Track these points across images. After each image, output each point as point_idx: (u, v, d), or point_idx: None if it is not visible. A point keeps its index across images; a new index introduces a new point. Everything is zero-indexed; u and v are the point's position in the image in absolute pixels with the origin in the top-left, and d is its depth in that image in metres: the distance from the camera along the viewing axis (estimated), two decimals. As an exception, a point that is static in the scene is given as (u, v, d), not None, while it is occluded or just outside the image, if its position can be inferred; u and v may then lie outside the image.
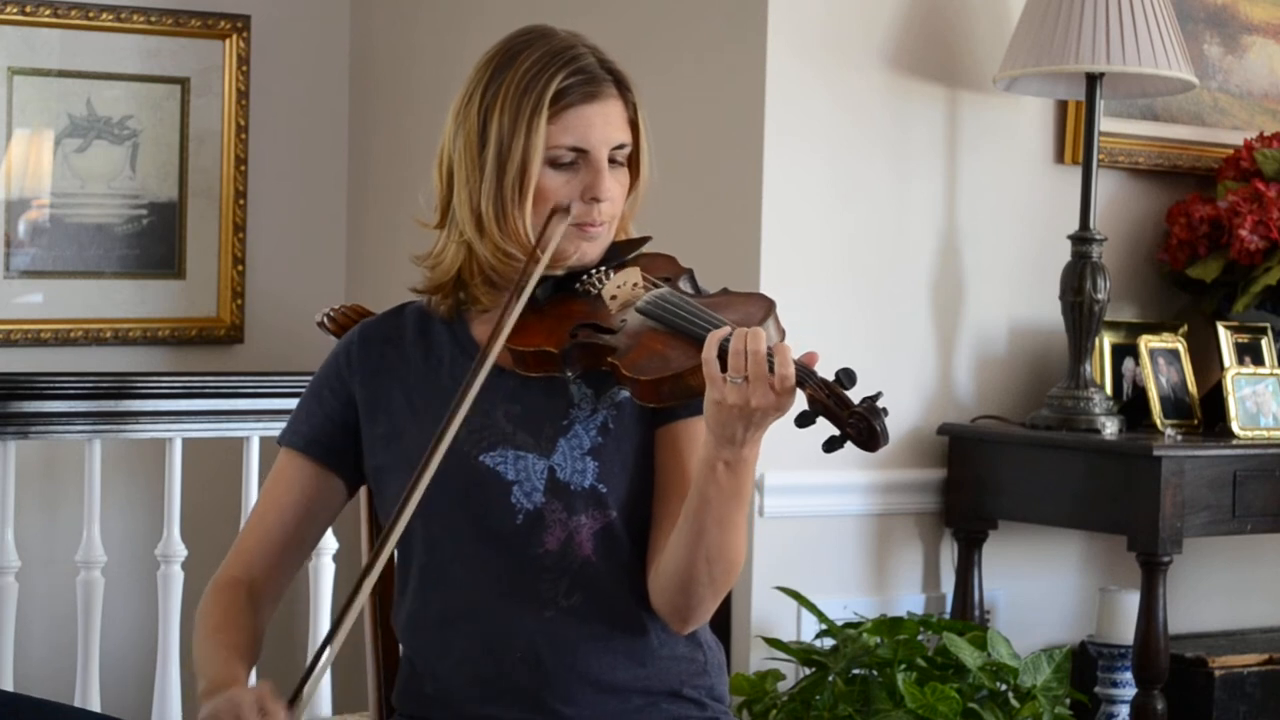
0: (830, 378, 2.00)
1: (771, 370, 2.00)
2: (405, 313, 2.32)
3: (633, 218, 2.31)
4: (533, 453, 2.19)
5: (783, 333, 2.14)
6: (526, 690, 2.19)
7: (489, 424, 2.21)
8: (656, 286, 2.20)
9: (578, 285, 2.24)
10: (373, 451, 2.27)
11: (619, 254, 2.27)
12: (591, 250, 2.23)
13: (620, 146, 2.22)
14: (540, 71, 2.18)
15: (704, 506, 2.09)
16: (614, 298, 2.19)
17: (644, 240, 2.29)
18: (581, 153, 2.19)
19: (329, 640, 2.11)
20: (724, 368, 2.01)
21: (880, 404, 1.98)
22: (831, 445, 1.99)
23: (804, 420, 2.00)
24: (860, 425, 1.97)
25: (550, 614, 2.19)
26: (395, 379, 2.27)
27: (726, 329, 2.04)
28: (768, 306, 2.14)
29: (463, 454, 2.19)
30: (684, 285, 2.26)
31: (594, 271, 2.24)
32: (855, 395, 2.00)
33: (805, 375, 2.01)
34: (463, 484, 2.19)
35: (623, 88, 2.23)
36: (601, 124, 2.20)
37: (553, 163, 2.19)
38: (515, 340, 2.20)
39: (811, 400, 2.00)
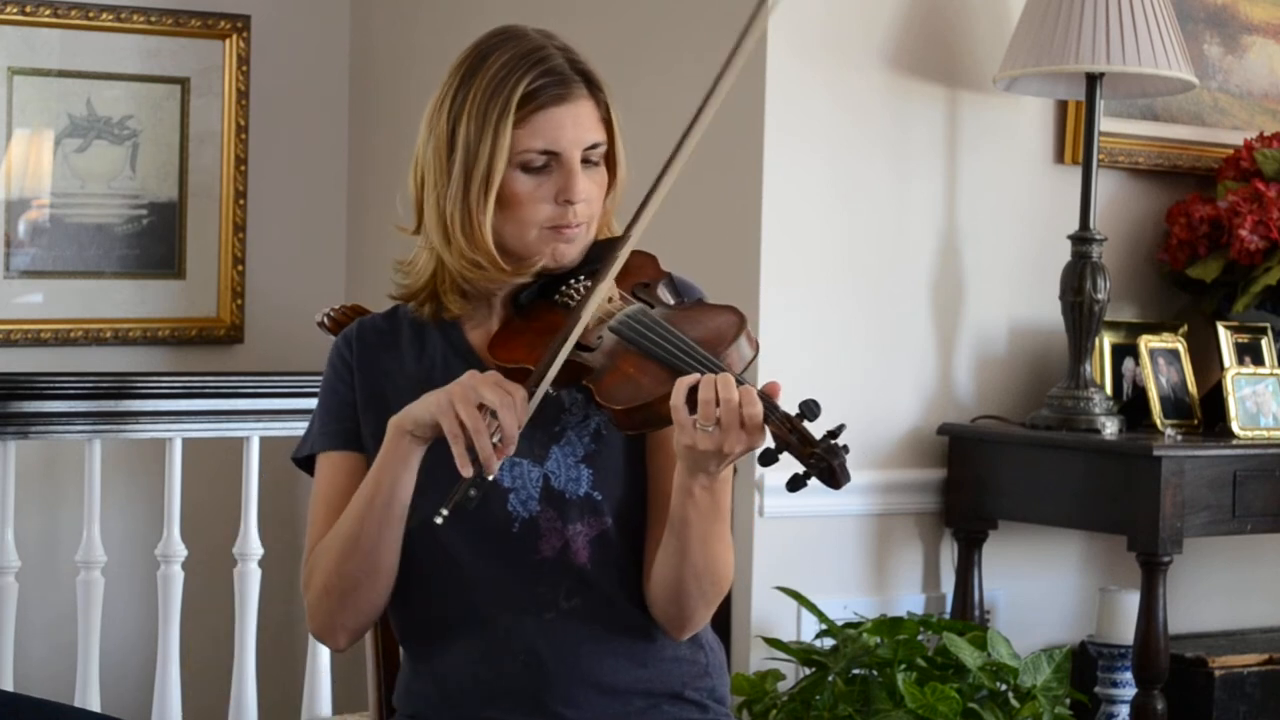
0: (794, 411, 1.99)
1: (740, 408, 1.99)
2: (399, 314, 2.31)
3: (613, 215, 2.30)
4: (527, 459, 2.19)
5: (756, 347, 2.13)
6: (527, 693, 2.19)
7: None
8: (633, 301, 2.19)
9: (557, 296, 2.23)
10: (366, 450, 2.26)
11: (600, 255, 2.25)
12: (570, 251, 2.22)
13: (594, 146, 2.20)
14: (508, 75, 2.16)
15: (685, 528, 2.10)
16: None
17: (626, 238, 2.28)
18: (553, 155, 2.18)
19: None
20: (693, 409, 2.00)
21: (841, 441, 1.96)
22: (795, 484, 1.98)
23: (768, 458, 1.99)
24: (821, 465, 1.96)
25: (551, 616, 2.19)
26: (389, 382, 2.26)
27: (695, 376, 2.02)
28: (739, 323, 2.13)
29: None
30: (663, 291, 2.24)
31: (573, 281, 2.23)
32: (819, 428, 1.98)
33: (769, 411, 1.99)
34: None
35: (593, 87, 2.21)
36: (572, 125, 2.18)
37: (524, 167, 2.17)
38: (498, 353, 2.19)
39: (775, 437, 1.99)
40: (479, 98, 2.17)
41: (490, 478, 2.03)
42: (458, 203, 2.17)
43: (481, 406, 2.03)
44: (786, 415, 1.99)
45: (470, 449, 2.03)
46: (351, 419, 2.26)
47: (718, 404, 1.99)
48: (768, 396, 2.01)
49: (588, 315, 2.13)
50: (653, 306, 2.19)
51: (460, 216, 2.18)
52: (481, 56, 2.20)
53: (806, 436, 1.98)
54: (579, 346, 2.13)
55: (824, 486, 1.98)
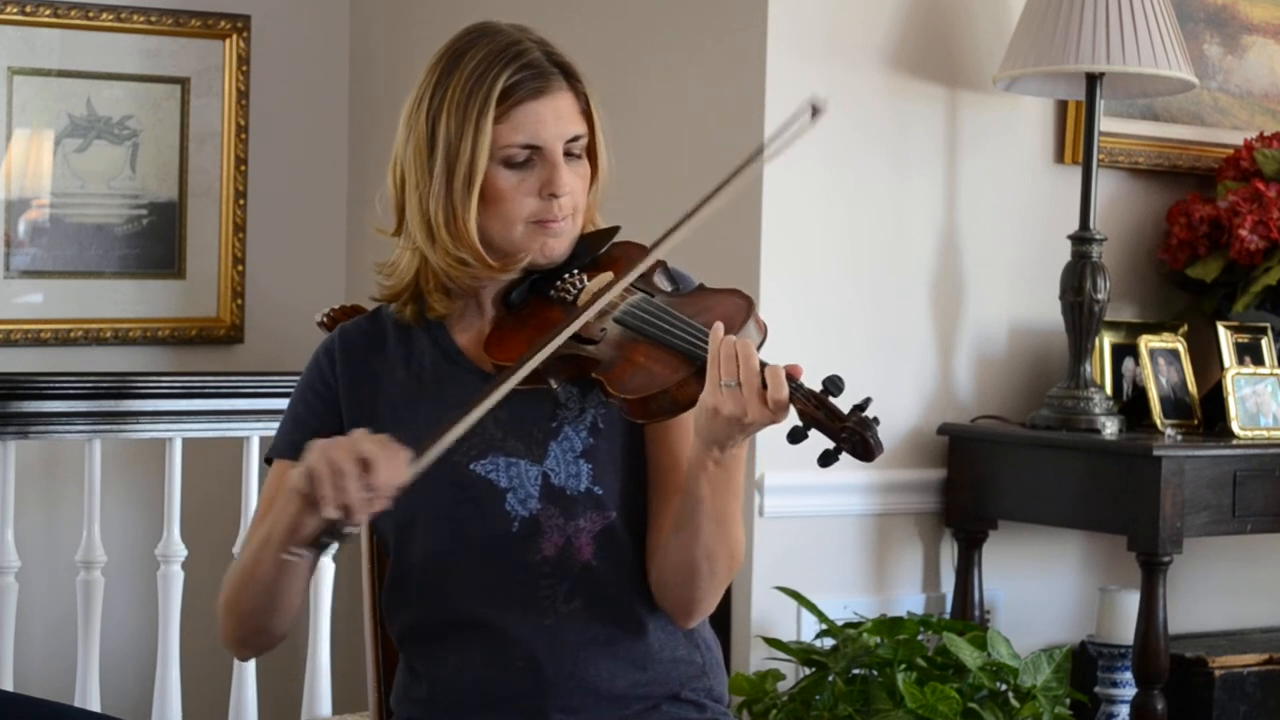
0: (818, 388, 1.99)
1: (765, 386, 1.98)
2: (382, 317, 2.30)
3: (597, 207, 2.30)
4: (524, 459, 2.18)
5: (764, 329, 2.12)
6: (526, 698, 2.18)
7: (478, 431, 2.18)
8: (632, 292, 2.19)
9: (552, 291, 2.22)
10: None
11: (589, 248, 2.24)
12: (558, 246, 2.21)
13: (575, 139, 2.20)
14: (486, 70, 2.16)
15: (697, 506, 2.09)
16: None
17: (613, 231, 2.27)
18: (535, 149, 2.17)
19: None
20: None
21: (870, 413, 1.96)
22: (827, 460, 1.98)
23: (796, 436, 1.98)
24: (854, 438, 1.95)
25: (550, 621, 2.18)
26: (379, 387, 2.25)
27: (719, 335, 2.02)
28: (747, 306, 2.12)
29: (454, 463, 2.18)
30: (659, 279, 2.23)
31: (567, 276, 2.22)
32: (844, 403, 1.98)
33: (794, 389, 1.99)
34: (455, 493, 2.17)
35: (572, 79, 2.20)
36: (553, 118, 2.17)
37: (507, 162, 2.16)
38: (496, 353, 2.18)
39: (802, 414, 1.98)
40: (458, 95, 2.16)
41: (353, 530, 1.98)
42: (440, 200, 2.17)
43: (362, 461, 1.97)
44: (812, 392, 1.99)
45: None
46: (315, 435, 2.25)
47: (737, 359, 1.98)
48: (792, 376, 2.00)
49: (597, 309, 2.12)
50: (652, 295, 2.19)
51: (444, 214, 2.17)
52: (457, 54, 2.19)
53: (835, 411, 1.97)
54: (583, 340, 2.12)
55: (856, 461, 1.97)
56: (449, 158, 2.16)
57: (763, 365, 2.00)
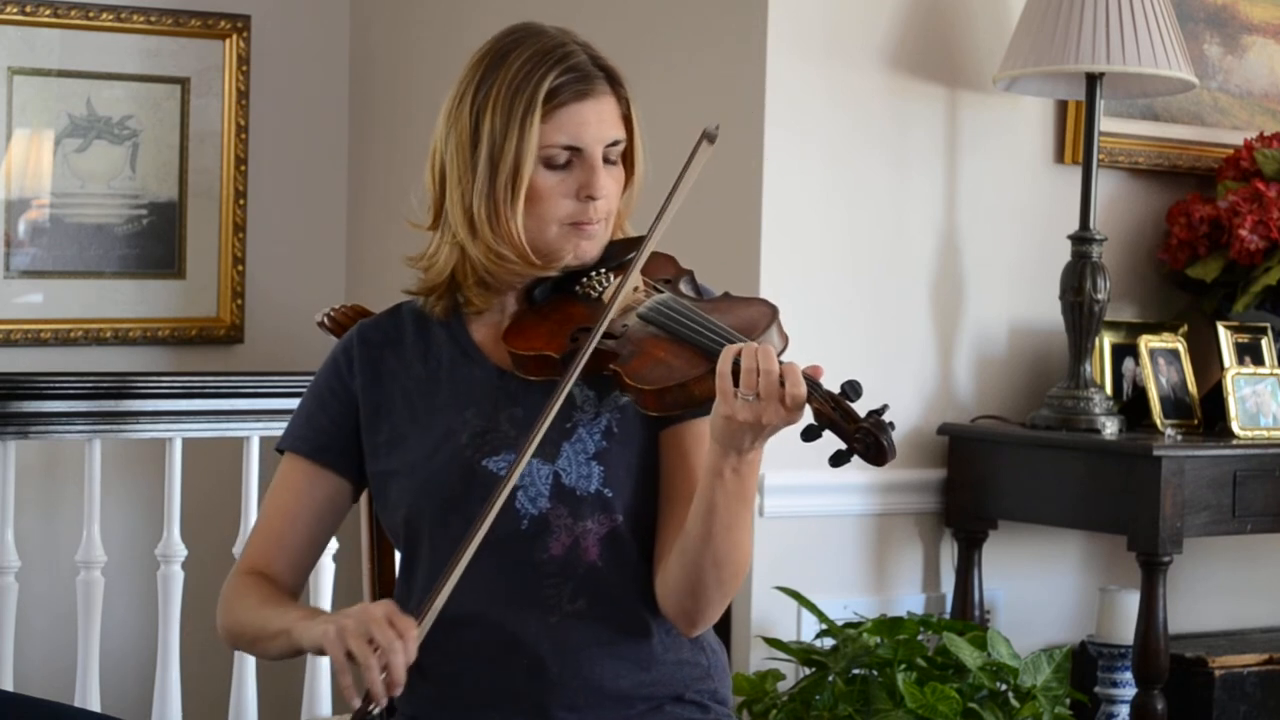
0: (836, 390, 2.00)
1: (783, 385, 1.99)
2: (402, 313, 2.31)
3: (629, 215, 2.31)
4: (536, 457, 2.18)
5: (786, 339, 2.13)
6: (530, 697, 2.18)
7: (491, 428, 2.20)
8: (658, 291, 2.20)
9: (578, 288, 2.23)
10: (374, 457, 2.25)
11: (617, 254, 2.25)
12: (590, 249, 2.22)
13: (614, 143, 2.21)
14: (532, 70, 2.17)
15: (711, 513, 2.08)
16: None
17: (641, 240, 2.28)
18: (576, 151, 2.18)
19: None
20: (735, 382, 2.00)
21: (886, 418, 1.97)
22: (839, 460, 1.99)
23: (810, 434, 2.00)
24: (868, 440, 1.96)
25: (555, 620, 2.18)
26: (396, 383, 2.26)
27: (739, 344, 2.02)
28: (771, 314, 2.13)
29: (465, 458, 2.18)
30: (684, 287, 2.25)
31: (594, 274, 2.23)
32: (861, 408, 1.99)
33: (811, 389, 2.00)
34: (465, 489, 2.18)
35: (615, 83, 2.21)
36: (595, 121, 2.18)
37: (548, 162, 2.18)
38: (514, 343, 2.19)
39: (818, 414, 1.99)
40: (503, 93, 2.17)
41: (378, 710, 2.03)
42: (484, 198, 2.18)
43: (372, 641, 2.01)
44: (830, 394, 2.00)
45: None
46: (329, 434, 2.27)
47: (759, 373, 1.99)
48: (811, 376, 2.01)
49: (620, 300, 2.13)
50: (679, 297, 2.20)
51: (487, 211, 2.18)
52: (502, 53, 2.20)
53: (851, 413, 1.98)
54: (605, 334, 2.13)
55: (866, 464, 1.98)
56: (493, 156, 2.17)
57: (780, 363, 2.01)
